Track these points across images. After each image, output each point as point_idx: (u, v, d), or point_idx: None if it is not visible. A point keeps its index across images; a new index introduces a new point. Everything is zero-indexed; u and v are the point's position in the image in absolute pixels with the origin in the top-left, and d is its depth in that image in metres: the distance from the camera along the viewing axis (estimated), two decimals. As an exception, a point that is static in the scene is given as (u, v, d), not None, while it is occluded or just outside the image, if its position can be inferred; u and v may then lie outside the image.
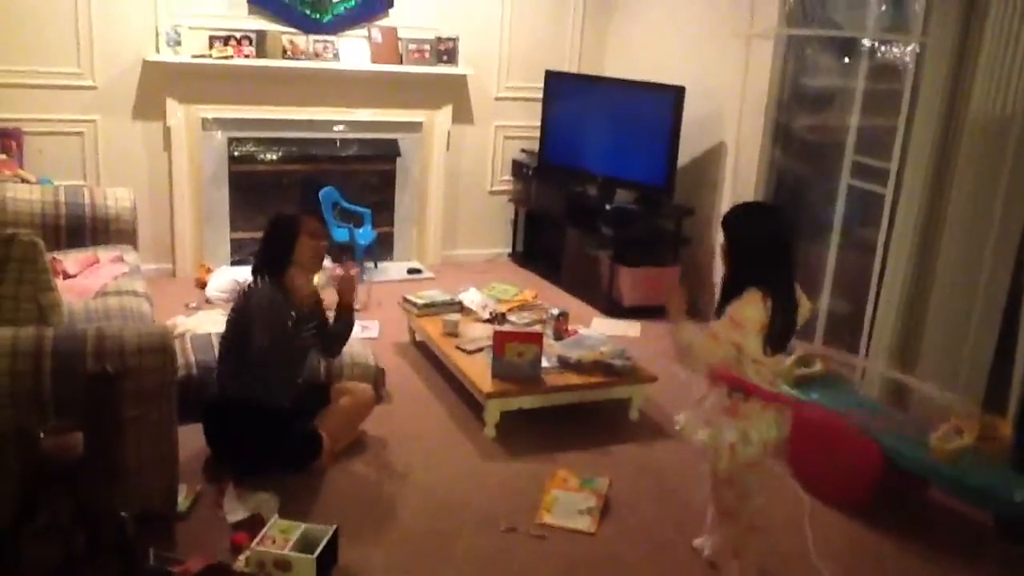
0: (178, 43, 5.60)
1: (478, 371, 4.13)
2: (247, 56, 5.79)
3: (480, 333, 4.49)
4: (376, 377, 4.26)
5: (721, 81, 5.64)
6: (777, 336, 2.74)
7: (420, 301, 4.89)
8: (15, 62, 5.36)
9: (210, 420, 3.59)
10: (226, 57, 5.72)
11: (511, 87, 6.69)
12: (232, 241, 6.14)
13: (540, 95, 6.47)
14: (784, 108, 5.39)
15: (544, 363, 4.11)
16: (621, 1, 6.71)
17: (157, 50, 5.61)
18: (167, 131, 5.80)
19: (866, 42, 4.76)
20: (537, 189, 6.64)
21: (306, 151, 6.26)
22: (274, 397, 3.57)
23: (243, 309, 3.56)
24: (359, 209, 6.34)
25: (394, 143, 6.48)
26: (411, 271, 6.47)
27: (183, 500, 3.24)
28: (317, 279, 5.53)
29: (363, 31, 6.12)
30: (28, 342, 2.76)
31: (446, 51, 6.30)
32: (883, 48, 4.71)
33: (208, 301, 5.44)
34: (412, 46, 6.22)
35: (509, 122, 6.75)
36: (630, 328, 5.55)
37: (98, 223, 4.83)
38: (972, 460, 3.31)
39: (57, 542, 2.46)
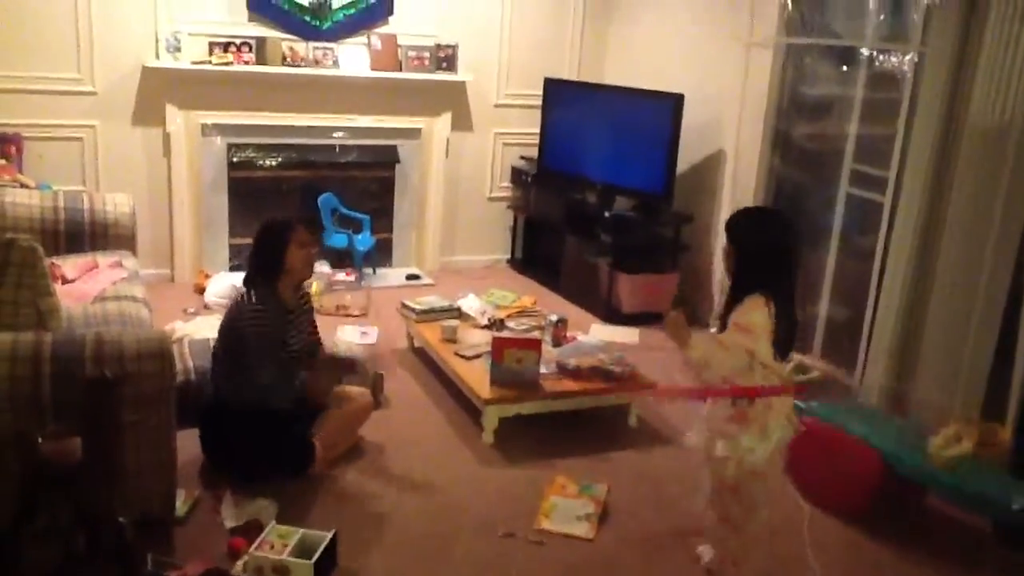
0: (178, 49, 5.61)
1: (477, 377, 4.12)
2: (247, 63, 5.80)
3: (479, 339, 4.49)
4: (375, 383, 4.26)
5: (720, 89, 5.65)
6: (782, 341, 2.74)
7: (419, 307, 4.89)
8: (15, 67, 5.37)
9: (205, 426, 3.59)
10: (226, 63, 5.73)
11: (510, 94, 6.70)
12: (231, 247, 6.14)
13: (539, 102, 6.48)
14: (783, 116, 5.40)
15: (543, 369, 4.11)
16: (620, 8, 6.72)
17: (157, 56, 5.62)
18: (166, 137, 5.80)
19: (865, 51, 4.77)
20: (536, 196, 6.65)
21: (305, 157, 6.27)
22: (271, 401, 3.55)
23: (236, 320, 3.54)
24: (358, 215, 6.34)
25: (393, 150, 6.49)
26: (410, 277, 6.47)
27: (181, 505, 3.24)
28: (315, 287, 5.59)
29: (363, 38, 6.13)
30: (27, 347, 2.75)
31: (445, 58, 6.32)
32: (882, 57, 4.72)
33: (207, 306, 5.44)
34: (411, 53, 6.24)
35: (508, 129, 6.77)
36: (629, 335, 5.55)
37: (97, 228, 4.83)
38: (971, 467, 3.31)
39: (56, 545, 2.46)
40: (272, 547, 2.91)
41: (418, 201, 6.68)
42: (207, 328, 4.62)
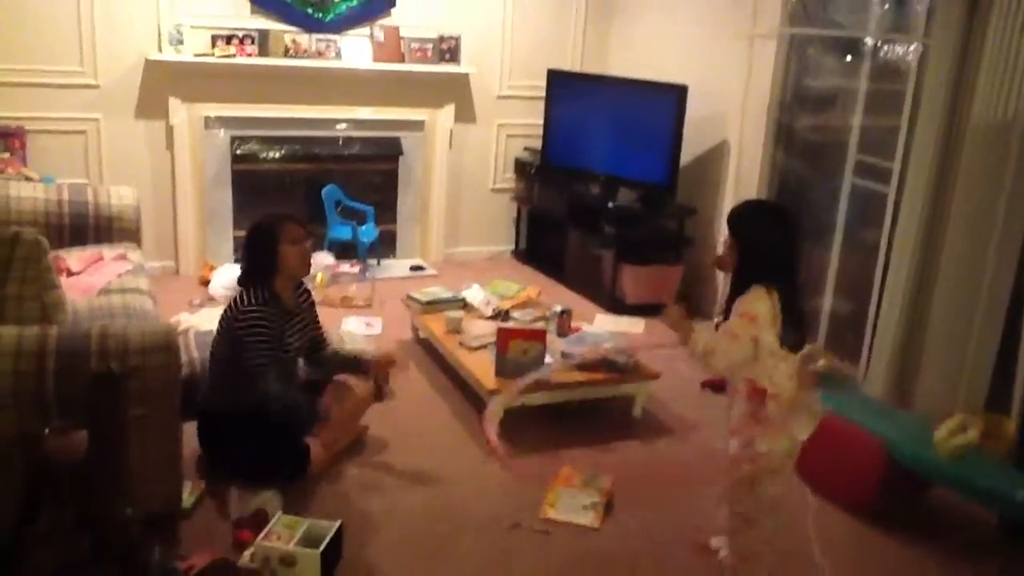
0: (180, 42, 5.61)
1: (481, 368, 4.13)
2: (250, 55, 5.79)
3: (483, 330, 4.49)
4: (379, 374, 4.26)
5: (724, 80, 5.64)
6: (791, 334, 2.73)
7: (423, 298, 4.89)
8: (17, 61, 5.37)
9: (202, 430, 3.53)
10: (229, 56, 5.73)
11: (513, 86, 6.69)
12: (235, 239, 6.14)
13: (543, 94, 6.47)
14: (787, 108, 5.39)
15: (547, 360, 4.11)
16: (624, 0, 6.71)
17: (160, 49, 5.62)
18: (170, 130, 5.81)
19: (869, 42, 4.76)
20: (540, 187, 6.65)
21: (309, 149, 6.27)
22: (270, 405, 3.44)
23: (231, 322, 3.45)
24: (362, 207, 6.34)
25: (397, 142, 6.49)
26: (414, 268, 6.48)
27: (188, 497, 3.25)
28: (320, 278, 5.60)
29: (365, 30, 6.12)
30: (32, 341, 2.75)
31: (448, 50, 6.31)
32: (886, 48, 4.71)
33: (211, 298, 5.45)
34: (414, 45, 6.23)
35: (511, 121, 6.76)
36: (633, 325, 5.56)
37: (101, 221, 4.83)
38: (976, 458, 3.31)
39: (60, 546, 2.45)
40: (279, 538, 2.91)
41: (422, 193, 6.68)
42: (212, 320, 4.60)
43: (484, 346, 4.32)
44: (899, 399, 4.26)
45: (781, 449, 2.77)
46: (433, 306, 4.85)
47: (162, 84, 5.70)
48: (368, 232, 6.29)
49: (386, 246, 6.62)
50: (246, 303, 3.44)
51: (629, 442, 4.08)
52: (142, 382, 2.80)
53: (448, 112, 6.52)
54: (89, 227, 4.79)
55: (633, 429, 4.21)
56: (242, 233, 6.04)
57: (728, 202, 5.54)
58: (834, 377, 4.02)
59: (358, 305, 5.60)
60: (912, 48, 4.49)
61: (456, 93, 6.51)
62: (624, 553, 3.22)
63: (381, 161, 6.58)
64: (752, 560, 2.90)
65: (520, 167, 6.80)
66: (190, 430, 3.38)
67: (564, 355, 4.21)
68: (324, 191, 6.16)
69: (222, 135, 5.98)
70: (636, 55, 6.56)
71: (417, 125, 6.50)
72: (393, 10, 6.18)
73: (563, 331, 4.56)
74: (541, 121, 6.50)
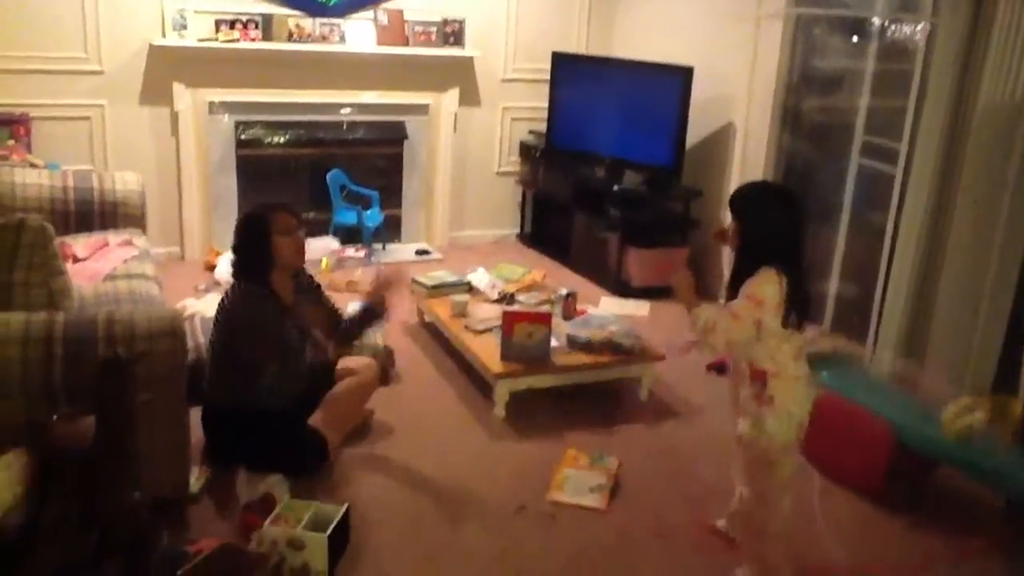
0: (184, 27, 5.59)
1: (487, 352, 4.13)
2: (253, 40, 5.77)
3: (489, 314, 4.49)
4: (385, 358, 4.27)
5: (730, 62, 5.61)
6: (794, 313, 2.73)
7: (429, 282, 4.89)
8: (21, 47, 5.36)
9: (207, 428, 3.47)
10: (232, 41, 5.71)
11: (518, 69, 6.67)
12: (240, 224, 6.14)
13: (547, 77, 6.44)
14: (793, 89, 5.36)
15: (553, 343, 4.11)
16: (628, -19, 6.68)
17: (163, 34, 5.61)
18: (174, 115, 5.80)
19: (876, 21, 4.72)
20: (545, 170, 6.63)
21: (313, 134, 6.26)
22: (272, 401, 3.43)
23: (228, 317, 3.39)
24: (367, 192, 6.34)
25: (401, 126, 6.47)
26: (419, 252, 6.48)
27: (195, 482, 3.26)
28: (325, 263, 5.60)
29: (369, 13, 6.10)
30: (39, 328, 2.76)
31: (452, 33, 6.28)
32: (893, 28, 4.68)
33: (217, 283, 5.45)
34: (418, 28, 6.20)
35: (516, 104, 6.74)
36: (639, 308, 5.56)
37: (107, 207, 4.83)
38: (983, 440, 3.30)
39: (69, 536, 2.46)
40: (286, 522, 2.93)
41: (426, 177, 6.67)
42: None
43: (489, 329, 4.32)
44: (906, 381, 4.26)
45: (788, 426, 2.76)
46: (438, 290, 4.85)
47: (166, 70, 5.69)
48: (373, 217, 6.28)
49: (391, 230, 6.62)
50: (240, 298, 3.37)
51: (635, 425, 4.08)
52: (149, 368, 2.81)
53: (452, 96, 6.50)
54: (94, 213, 4.80)
55: (639, 412, 4.21)
56: (247, 218, 6.07)
57: (734, 184, 5.51)
58: (841, 359, 4.01)
59: (364, 290, 5.59)
60: (920, 27, 4.46)
61: (460, 76, 6.49)
62: (631, 535, 3.23)
63: (386, 145, 6.57)
64: (770, 540, 2.90)
65: (525, 150, 6.78)
66: (197, 415, 3.39)
67: (569, 338, 4.21)
68: (329, 176, 6.16)
69: (226, 120, 5.97)
70: (641, 37, 6.52)
71: (421, 109, 6.49)
72: (397, -7, 6.16)
73: (568, 314, 4.56)
74: (546, 104, 6.48)
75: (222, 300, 3.45)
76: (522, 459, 3.71)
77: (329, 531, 2.85)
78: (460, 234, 6.85)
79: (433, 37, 6.25)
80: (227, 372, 3.42)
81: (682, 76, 5.61)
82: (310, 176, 6.34)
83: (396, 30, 6.14)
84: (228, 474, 3.34)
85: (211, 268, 5.68)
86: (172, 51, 5.64)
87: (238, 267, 3.45)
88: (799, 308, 2.74)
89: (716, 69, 5.66)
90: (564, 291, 4.71)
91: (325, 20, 5.97)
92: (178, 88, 5.75)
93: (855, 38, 4.96)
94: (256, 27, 5.78)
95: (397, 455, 3.71)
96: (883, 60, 4.72)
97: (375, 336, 4.31)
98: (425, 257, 6.40)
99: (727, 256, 5.59)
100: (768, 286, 2.68)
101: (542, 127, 6.57)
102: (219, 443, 3.47)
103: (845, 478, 3.58)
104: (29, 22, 5.35)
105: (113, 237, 4.64)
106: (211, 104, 5.89)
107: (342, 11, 6.02)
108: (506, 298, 4.80)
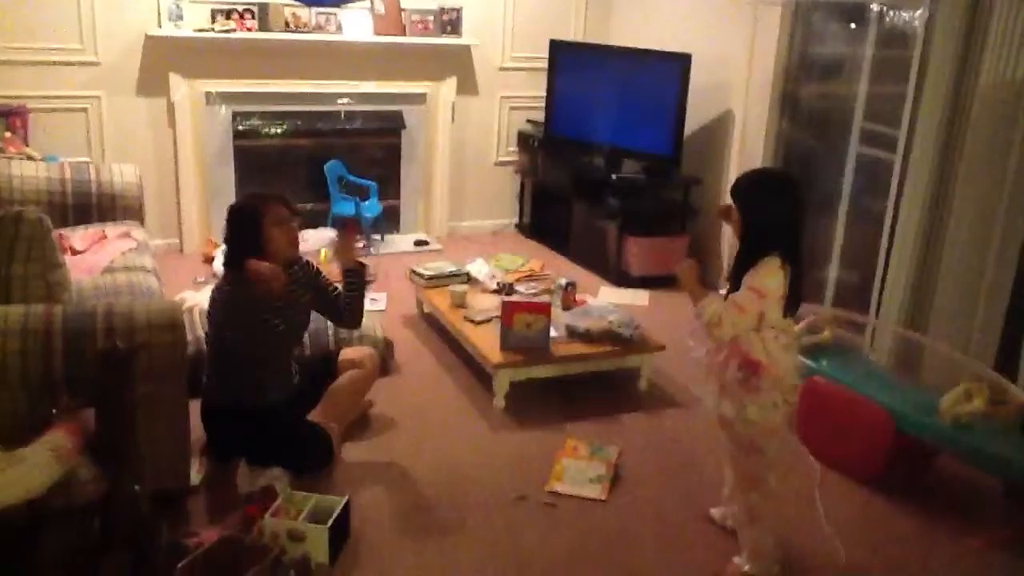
0: (180, 17, 5.57)
1: (487, 342, 4.13)
2: (249, 29, 5.75)
3: (488, 304, 4.49)
4: (384, 349, 4.27)
5: (728, 49, 5.59)
6: (790, 303, 2.74)
7: (427, 273, 4.89)
8: (17, 39, 5.33)
9: (210, 431, 3.45)
10: (228, 31, 5.69)
11: (516, 57, 6.65)
12: (238, 216, 6.13)
13: (545, 65, 6.43)
14: (792, 76, 5.35)
15: (553, 333, 4.11)
16: (626, -32, 6.65)
17: (159, 24, 5.59)
18: (171, 106, 5.78)
19: (874, 7, 4.71)
20: (543, 160, 6.62)
21: (311, 124, 6.25)
22: (268, 395, 3.40)
23: (215, 307, 3.37)
24: (365, 182, 6.33)
25: (399, 115, 6.46)
26: (418, 243, 6.47)
27: (195, 474, 3.26)
28: (324, 254, 5.59)
29: (366, 3, 6.06)
30: (38, 321, 2.75)
31: (450, 22, 6.26)
32: (892, 14, 4.66)
33: (215, 275, 5.44)
34: (415, 17, 6.18)
35: (514, 93, 6.72)
36: (638, 297, 5.56)
37: (104, 199, 4.82)
38: (982, 426, 3.30)
39: (72, 528, 2.46)
40: (287, 514, 2.93)
41: (425, 167, 6.66)
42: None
43: (489, 320, 4.31)
44: (906, 369, 4.26)
45: (772, 414, 2.77)
46: (437, 280, 4.84)
47: (162, 60, 5.67)
48: (371, 207, 6.27)
49: (390, 221, 6.61)
50: (232, 291, 3.33)
51: (635, 414, 4.09)
52: (149, 360, 2.81)
53: (450, 85, 6.48)
54: (92, 206, 4.79)
55: (639, 402, 4.21)
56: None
57: (733, 172, 5.51)
58: (840, 347, 4.01)
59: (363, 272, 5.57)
60: (918, 13, 4.44)
61: (458, 65, 6.47)
62: (631, 525, 3.23)
63: (383, 135, 6.56)
64: (760, 522, 2.91)
65: (523, 140, 6.77)
66: (197, 408, 3.38)
67: (569, 328, 4.21)
68: (327, 166, 6.15)
69: (223, 111, 5.95)
70: (639, 24, 6.50)
71: (419, 98, 6.47)
72: (393, -18, 6.13)
73: (568, 304, 4.56)
74: (544, 93, 6.46)
75: (213, 292, 3.44)
76: (522, 449, 3.71)
77: (330, 523, 2.86)
78: (459, 224, 6.84)
79: (430, 26, 6.23)
80: (224, 366, 3.41)
81: (680, 63, 5.60)
82: (308, 167, 6.33)
83: (393, 19, 6.11)
84: (228, 467, 3.34)
85: (209, 260, 5.67)
86: (168, 41, 5.62)
87: (230, 258, 3.40)
88: (794, 297, 2.75)
89: (715, 56, 5.65)
90: (563, 281, 4.71)
91: (321, 9, 5.94)
92: (175, 79, 5.73)
93: (853, 25, 4.94)
94: (252, 17, 5.76)
95: (397, 446, 3.71)
96: (882, 46, 4.71)
97: (374, 327, 4.31)
98: (424, 248, 6.40)
99: (726, 243, 5.60)
100: (771, 278, 2.69)
101: (540, 116, 6.55)
102: (219, 438, 3.46)
103: (845, 466, 3.59)
104: (25, 13, 5.32)
105: (111, 229, 4.63)
106: (208, 95, 5.87)
107: (338, 0, 5.99)
108: (505, 288, 4.80)
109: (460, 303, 4.53)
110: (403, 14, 6.15)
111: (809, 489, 3.41)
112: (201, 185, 6.00)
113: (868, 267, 4.66)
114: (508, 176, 6.93)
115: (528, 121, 6.75)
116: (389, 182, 6.60)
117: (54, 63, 5.45)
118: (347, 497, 3.04)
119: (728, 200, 2.87)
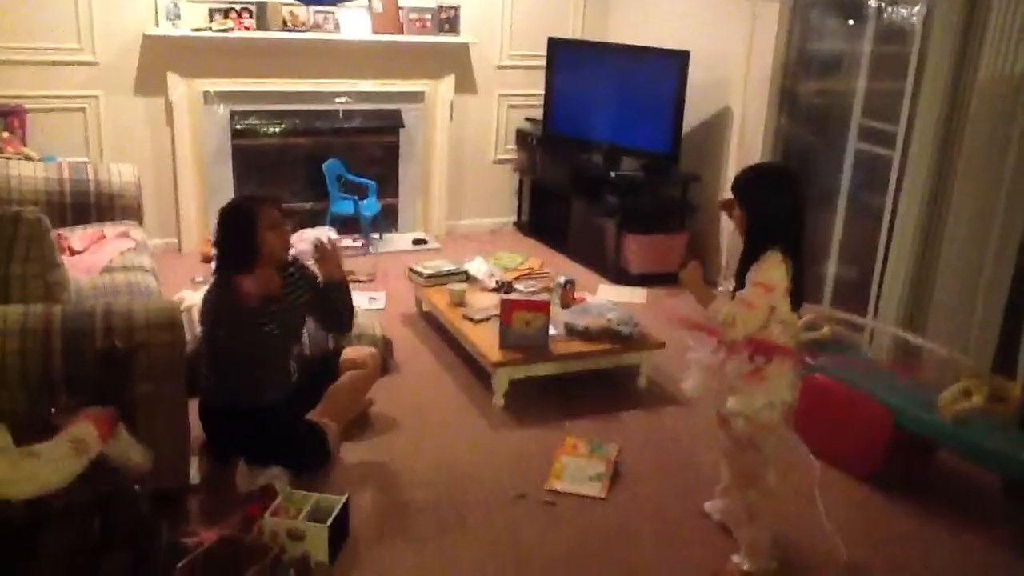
0: (177, 16, 5.57)
1: (486, 340, 4.13)
2: (247, 28, 5.75)
3: (487, 302, 4.49)
4: (383, 348, 4.27)
5: (726, 46, 5.59)
6: (796, 295, 2.75)
7: (426, 271, 4.88)
8: (15, 38, 5.33)
9: (209, 432, 3.45)
10: (226, 30, 5.69)
11: (514, 55, 6.64)
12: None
13: (543, 63, 6.42)
14: (790, 72, 5.34)
15: (551, 331, 4.11)
16: (623, -34, 6.64)
17: (157, 24, 5.58)
18: (169, 105, 5.77)
19: (872, 3, 4.70)
20: (542, 158, 6.61)
21: (309, 123, 6.24)
22: (266, 395, 3.39)
23: (208, 312, 3.36)
24: (363, 181, 6.32)
25: (397, 114, 6.45)
26: (416, 242, 6.47)
27: (195, 474, 3.26)
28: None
29: (363, 1, 6.06)
30: (37, 320, 2.76)
31: (447, 20, 6.25)
32: (890, 10, 4.66)
33: (214, 275, 5.44)
34: (413, 15, 6.18)
35: (512, 91, 6.72)
36: (636, 295, 5.56)
37: (103, 199, 4.81)
38: (981, 422, 3.31)
39: (72, 528, 2.46)
40: (287, 513, 2.93)
41: (423, 165, 6.65)
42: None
43: (488, 318, 4.31)
44: (904, 365, 4.26)
45: (772, 408, 2.77)
46: (436, 279, 4.84)
47: (160, 59, 5.67)
48: (370, 206, 6.27)
49: (388, 220, 6.61)
50: (224, 296, 3.31)
51: (634, 412, 4.09)
52: (148, 359, 2.81)
53: (448, 83, 6.48)
54: (91, 205, 4.78)
55: (638, 399, 4.21)
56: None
57: (732, 169, 5.51)
58: (839, 343, 4.01)
59: (361, 280, 5.59)
60: (916, 9, 4.44)
61: (456, 64, 6.47)
62: (631, 523, 3.23)
63: (382, 134, 6.55)
64: (758, 519, 2.92)
65: (521, 137, 6.77)
66: (196, 407, 3.38)
67: (568, 326, 4.21)
68: (325, 165, 6.14)
69: (221, 110, 5.95)
70: (637, 21, 6.50)
71: (417, 97, 6.46)
72: (391, -20, 6.13)
73: (567, 302, 4.56)
74: (542, 91, 6.46)
75: (205, 295, 3.43)
76: (521, 448, 3.71)
77: (329, 521, 2.86)
78: (457, 223, 6.84)
79: (428, 24, 6.22)
80: (221, 366, 3.40)
81: (679, 60, 5.60)
82: (306, 166, 6.32)
83: (391, 17, 6.11)
84: (228, 466, 3.34)
85: (208, 259, 5.66)
86: (166, 41, 5.62)
87: (221, 260, 3.39)
88: (796, 291, 2.76)
89: (713, 53, 5.64)
90: (562, 279, 4.71)
91: (319, 8, 5.93)
92: (172, 78, 5.73)
93: (852, 21, 4.94)
94: (250, 15, 5.75)
95: (396, 445, 3.70)
96: (880, 42, 4.71)
97: (373, 326, 4.31)
98: (422, 246, 6.39)
99: (725, 239, 5.60)
100: (775, 271, 2.70)
101: (539, 114, 6.55)
102: (218, 438, 3.46)
103: (844, 463, 3.58)
104: (23, 13, 5.32)
105: (110, 229, 4.62)
106: (206, 94, 5.86)
107: (336, -1, 6.00)
108: (504, 286, 4.80)
109: (459, 301, 4.53)
110: (401, 12, 6.14)
111: (809, 486, 3.40)
112: (199, 184, 5.99)
113: (867, 263, 4.66)
114: (507, 174, 6.92)
115: (526, 119, 6.74)
116: (387, 181, 6.59)
117: (52, 63, 5.45)
118: (347, 496, 3.04)
119: (729, 195, 2.88)
